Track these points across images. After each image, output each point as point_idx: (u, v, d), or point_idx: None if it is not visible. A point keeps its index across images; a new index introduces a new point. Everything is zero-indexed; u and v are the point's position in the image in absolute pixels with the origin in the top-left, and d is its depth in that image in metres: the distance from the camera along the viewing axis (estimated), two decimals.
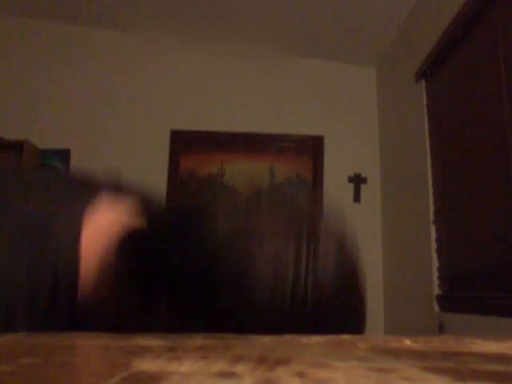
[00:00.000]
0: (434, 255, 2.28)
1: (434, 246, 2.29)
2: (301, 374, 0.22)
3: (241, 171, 3.11)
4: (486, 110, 1.87)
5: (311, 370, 0.23)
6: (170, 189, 3.03)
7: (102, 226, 0.49)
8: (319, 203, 0.51)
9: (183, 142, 3.12)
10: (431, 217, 2.33)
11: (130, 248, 0.49)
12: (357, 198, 3.14)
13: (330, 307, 0.44)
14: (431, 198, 2.35)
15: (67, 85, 3.09)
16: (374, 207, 3.14)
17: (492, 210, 1.79)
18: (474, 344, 0.36)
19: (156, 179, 3.02)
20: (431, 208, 2.34)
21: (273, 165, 3.14)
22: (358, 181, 3.17)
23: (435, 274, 2.26)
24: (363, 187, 3.16)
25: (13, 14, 3.07)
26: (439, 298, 2.21)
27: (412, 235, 2.58)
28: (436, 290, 2.24)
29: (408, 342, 0.35)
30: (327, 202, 0.52)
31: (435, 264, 2.27)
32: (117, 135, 3.05)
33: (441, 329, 2.06)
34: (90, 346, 0.33)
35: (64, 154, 2.98)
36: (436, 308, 2.21)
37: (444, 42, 2.19)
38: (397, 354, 0.30)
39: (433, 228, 2.32)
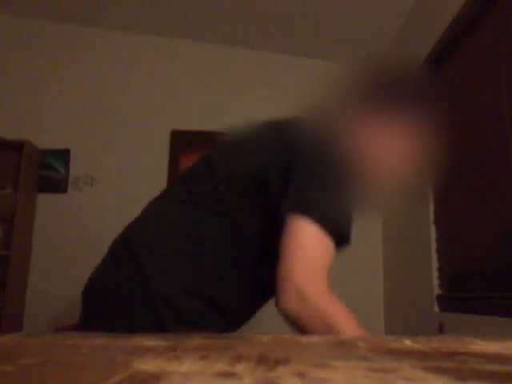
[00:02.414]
0: (434, 255, 2.28)
1: (434, 245, 2.29)
2: (301, 374, 0.22)
3: None
4: (485, 109, 1.87)
5: (311, 369, 0.23)
6: None
7: None
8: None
9: (183, 142, 3.12)
10: (431, 217, 2.33)
11: None
12: None
13: None
14: (431, 198, 2.35)
15: (67, 85, 3.09)
16: None
17: (492, 210, 1.79)
18: (474, 344, 0.36)
19: (156, 179, 3.02)
20: (431, 208, 2.34)
21: None
22: None
23: (435, 274, 2.25)
24: None
25: (13, 14, 3.06)
26: (439, 298, 2.21)
27: (412, 235, 2.58)
28: (436, 290, 2.24)
29: (408, 342, 0.35)
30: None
31: (435, 264, 2.27)
32: (117, 135, 3.05)
33: (441, 329, 2.06)
34: (90, 346, 0.32)
35: (64, 154, 2.98)
36: (436, 308, 2.21)
37: (444, 42, 2.18)
38: (397, 354, 0.30)
39: (433, 228, 2.32)
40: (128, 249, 0.85)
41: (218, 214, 0.84)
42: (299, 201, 0.76)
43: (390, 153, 0.89)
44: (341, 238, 0.76)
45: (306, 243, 0.73)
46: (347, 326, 0.71)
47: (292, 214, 0.74)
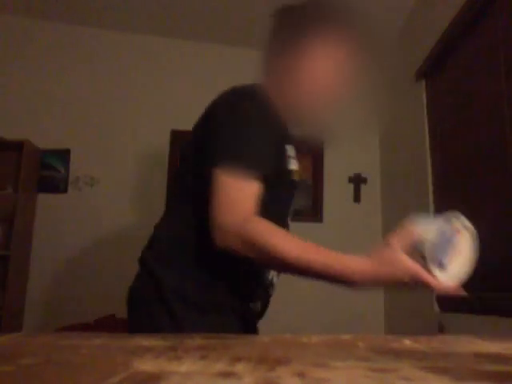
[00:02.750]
0: None
1: None
2: (301, 374, 0.22)
3: None
4: (485, 109, 1.87)
5: (311, 369, 0.23)
6: (169, 189, 3.03)
7: None
8: None
9: (183, 142, 3.11)
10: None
11: None
12: (357, 198, 3.14)
13: None
14: (431, 198, 2.35)
15: (67, 85, 3.09)
16: (374, 207, 3.14)
17: (492, 210, 1.79)
18: (474, 344, 0.36)
19: (156, 179, 3.02)
20: (431, 208, 2.34)
21: None
22: (358, 181, 3.17)
23: None
24: (363, 187, 3.16)
25: (13, 13, 3.06)
26: (439, 298, 2.21)
27: None
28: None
29: (408, 342, 0.35)
30: None
31: None
32: (117, 135, 3.05)
33: (441, 329, 2.06)
34: (90, 346, 0.32)
35: (64, 154, 2.98)
36: (436, 308, 2.21)
37: (444, 42, 2.18)
38: (397, 353, 0.30)
39: None
40: (141, 260, 0.97)
41: (194, 205, 0.91)
42: (212, 158, 0.83)
43: (318, 78, 0.96)
44: (256, 173, 0.81)
45: (222, 188, 0.79)
46: (286, 249, 0.75)
47: (211, 172, 0.82)
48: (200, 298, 0.88)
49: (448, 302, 2.14)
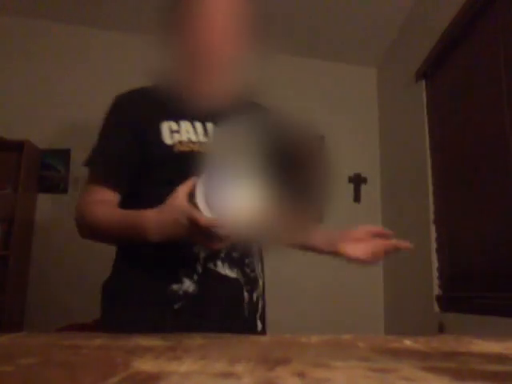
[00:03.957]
0: (434, 255, 2.28)
1: (434, 246, 2.29)
2: (301, 374, 0.22)
3: None
4: (485, 109, 1.87)
5: (311, 369, 0.23)
6: None
7: None
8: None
9: None
10: (431, 217, 2.33)
11: None
12: (357, 198, 3.14)
13: None
14: (431, 198, 2.35)
15: (67, 85, 3.09)
16: (374, 207, 3.14)
17: (492, 210, 1.79)
18: (474, 344, 0.36)
19: None
20: (431, 208, 2.34)
21: None
22: (358, 181, 3.16)
23: (435, 274, 2.25)
24: (363, 187, 3.16)
25: (13, 14, 3.06)
26: (439, 298, 2.21)
27: (412, 235, 2.58)
28: (436, 290, 2.24)
29: (408, 342, 0.35)
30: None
31: (435, 264, 2.27)
32: None
33: (441, 329, 2.06)
34: (90, 346, 0.32)
35: (64, 154, 2.98)
36: (436, 308, 2.21)
37: (444, 42, 2.19)
38: (397, 353, 0.30)
39: (433, 228, 2.32)
40: None
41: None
42: None
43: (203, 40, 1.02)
44: (96, 169, 1.06)
45: (84, 183, 1.09)
46: (97, 219, 1.01)
47: None
48: (122, 291, 0.97)
49: (448, 302, 2.14)
